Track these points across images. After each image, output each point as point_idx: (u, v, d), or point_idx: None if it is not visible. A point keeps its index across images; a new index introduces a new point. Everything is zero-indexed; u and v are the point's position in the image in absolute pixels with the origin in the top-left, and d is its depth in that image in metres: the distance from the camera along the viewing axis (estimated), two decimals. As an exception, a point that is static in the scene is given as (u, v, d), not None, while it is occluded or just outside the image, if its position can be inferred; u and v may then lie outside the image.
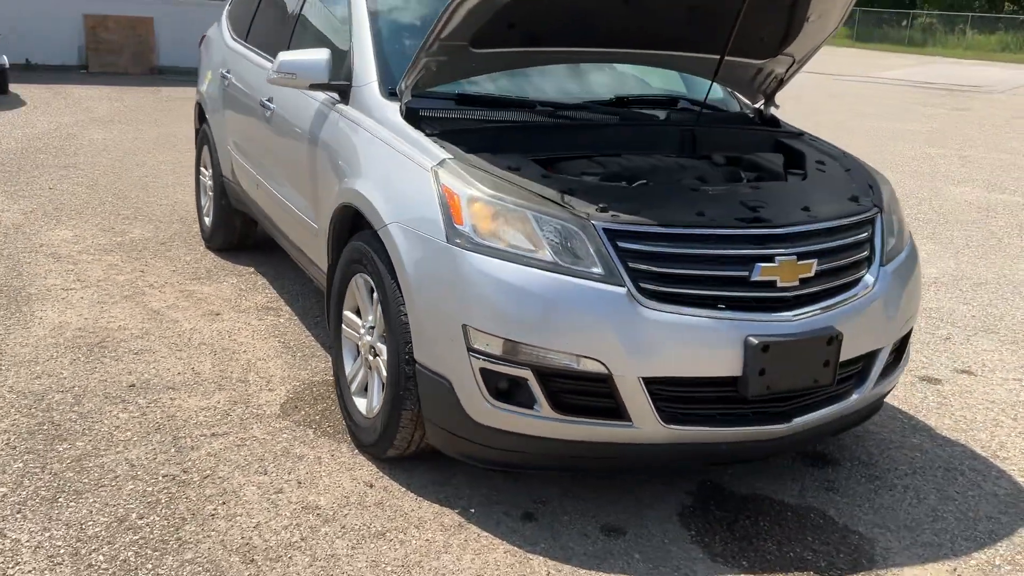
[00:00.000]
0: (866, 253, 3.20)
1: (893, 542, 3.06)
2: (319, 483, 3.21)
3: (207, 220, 5.89)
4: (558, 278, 2.77)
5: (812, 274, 2.97)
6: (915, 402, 4.18)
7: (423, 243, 2.95)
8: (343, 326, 3.56)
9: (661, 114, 3.82)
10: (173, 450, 3.38)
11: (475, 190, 2.90)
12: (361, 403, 3.42)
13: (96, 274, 5.30)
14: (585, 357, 2.77)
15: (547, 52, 3.46)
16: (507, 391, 2.86)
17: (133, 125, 10.23)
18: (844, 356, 3.01)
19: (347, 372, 3.53)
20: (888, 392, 3.56)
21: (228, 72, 5.27)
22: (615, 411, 2.83)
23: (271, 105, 4.42)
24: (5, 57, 11.92)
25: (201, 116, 5.91)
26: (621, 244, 2.81)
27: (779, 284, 2.90)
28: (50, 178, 7.61)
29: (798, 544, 3.02)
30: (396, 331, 3.07)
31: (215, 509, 3.02)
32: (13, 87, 12.23)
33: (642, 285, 2.80)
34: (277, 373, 4.09)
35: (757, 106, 4.11)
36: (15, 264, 5.38)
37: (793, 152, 3.75)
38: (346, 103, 3.70)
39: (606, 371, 2.77)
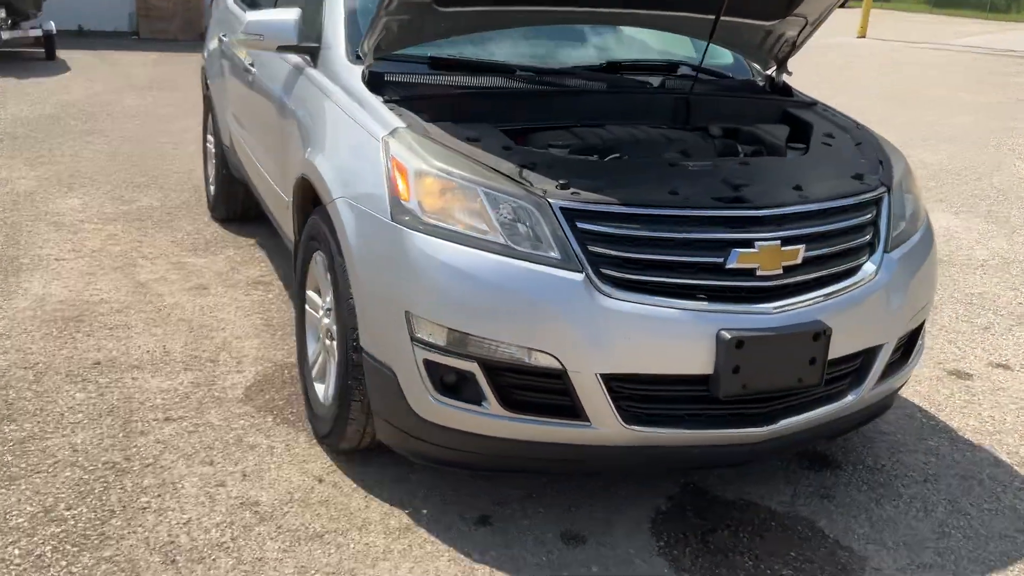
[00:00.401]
0: (867, 238, 2.85)
1: (887, 561, 2.74)
2: (265, 476, 3.00)
3: (212, 189, 5.72)
4: (509, 262, 2.49)
5: (798, 261, 2.64)
6: (939, 399, 3.81)
7: (368, 220, 2.70)
8: (306, 306, 3.33)
9: (655, 81, 3.49)
10: (121, 435, 3.20)
11: (423, 163, 2.63)
12: (320, 390, 3.20)
13: (93, 244, 5.17)
14: (537, 351, 2.50)
15: (522, 11, 3.16)
16: (454, 385, 2.60)
17: (169, 91, 10.14)
18: (835, 353, 2.68)
19: (309, 356, 3.31)
20: (898, 389, 3.22)
21: (224, 35, 5.06)
22: (571, 410, 2.56)
23: (253, 69, 4.20)
24: (52, 23, 11.94)
25: (206, 82, 5.73)
26: (580, 225, 2.52)
27: (759, 272, 2.58)
28: (73, 145, 7.54)
29: (778, 560, 2.72)
30: (344, 315, 2.83)
31: (148, 502, 2.83)
32: (62, 53, 12.28)
33: (603, 271, 2.51)
34: (251, 353, 3.89)
35: (768, 72, 3.74)
36: (15, 232, 5.28)
37: (801, 124, 3.39)
38: (315, 67, 3.45)
39: (560, 366, 2.50)
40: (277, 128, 3.71)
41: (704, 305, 2.53)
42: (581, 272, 2.49)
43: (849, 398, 2.83)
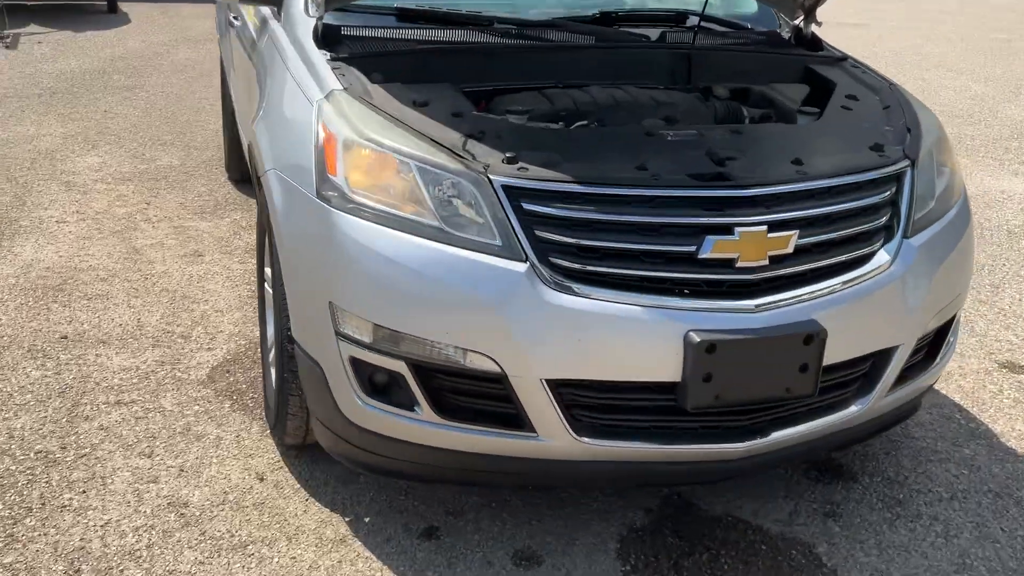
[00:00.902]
0: (883, 220, 2.41)
1: (889, 601, 2.35)
2: (203, 473, 2.75)
3: (224, 149, 5.50)
4: (442, 250, 2.15)
5: (789, 250, 2.23)
6: (984, 397, 3.34)
7: (295, 196, 2.39)
8: (265, 285, 3.06)
9: (655, 34, 3.06)
10: (65, 420, 2.99)
11: (353, 132, 2.30)
12: (272, 377, 2.93)
13: (99, 205, 4.99)
14: (472, 351, 2.16)
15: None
16: (384, 387, 2.29)
17: (219, 44, 9.96)
18: (834, 358, 2.28)
19: (267, 338, 3.04)
20: (927, 390, 2.79)
21: (227, -15, 4.77)
22: (515, 419, 2.23)
23: (235, 23, 3.90)
24: (114, -25, 11.89)
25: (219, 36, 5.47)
26: (526, 206, 2.16)
27: (739, 264, 2.19)
28: (110, 100, 7.41)
29: (759, 595, 2.35)
30: (278, 301, 2.54)
31: (71, 499, 2.61)
32: (124, 6, 12.23)
33: (551, 261, 2.15)
34: (227, 329, 3.64)
35: (796, 23, 3.27)
36: (24, 193, 5.15)
37: (822, 84, 2.93)
38: (279, 20, 3.13)
39: (499, 370, 2.16)
40: (245, 89, 3.41)
41: (670, 301, 2.16)
42: (524, 261, 2.13)
43: (854, 408, 2.42)
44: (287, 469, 2.78)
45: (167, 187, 5.34)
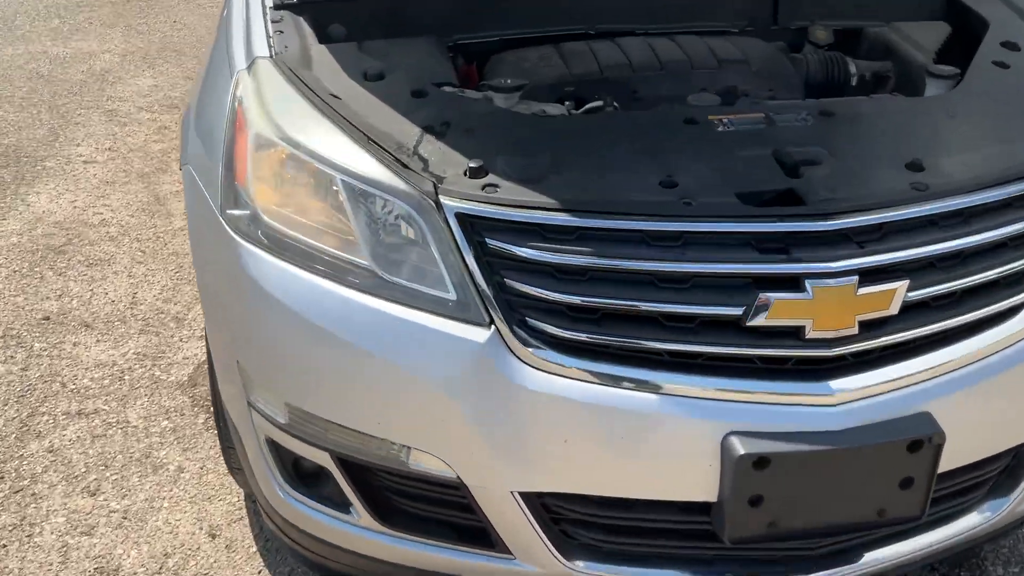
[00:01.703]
0: (1040, 258, 1.60)
1: None
2: (149, 522, 2.27)
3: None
4: (372, 306, 1.51)
5: (893, 311, 1.48)
6: None
7: (202, 208, 1.78)
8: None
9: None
10: (14, 437, 2.56)
11: (267, 124, 1.64)
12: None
13: (135, 140, 4.53)
14: (418, 451, 1.53)
15: None
16: (312, 477, 1.69)
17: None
18: (954, 463, 1.55)
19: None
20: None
21: None
22: (481, 535, 1.60)
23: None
24: None
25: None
26: (492, 244, 1.48)
27: (811, 334, 1.45)
28: (182, 11, 6.90)
29: None
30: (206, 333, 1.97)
31: (-16, 557, 2.16)
32: None
33: (528, 324, 1.47)
34: (228, 309, 3.11)
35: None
36: (62, 124, 4.73)
37: (971, 23, 2.06)
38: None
39: (454, 476, 1.52)
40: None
41: (701, 387, 1.46)
42: (487, 326, 1.47)
43: (983, 515, 1.68)
44: (246, 520, 2.26)
45: (214, 116, 4.81)
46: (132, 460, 2.47)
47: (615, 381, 1.46)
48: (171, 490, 2.37)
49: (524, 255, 1.46)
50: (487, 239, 1.47)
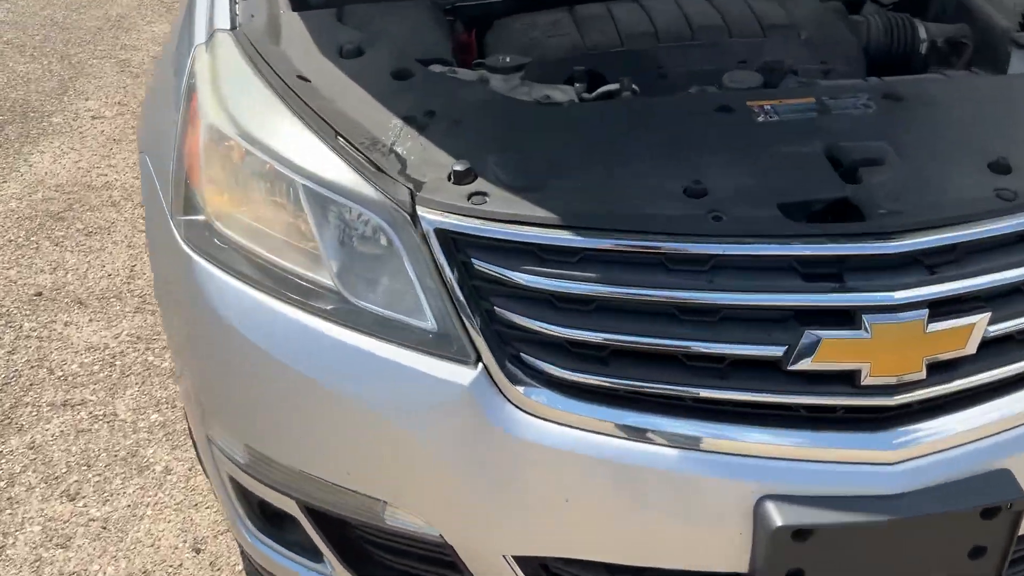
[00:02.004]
0: None
1: None
2: (129, 532, 2.09)
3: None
4: (338, 338, 1.27)
5: (970, 350, 1.20)
6: None
7: (155, 205, 1.54)
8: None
9: None
10: (-6, 431, 2.38)
11: (221, 113, 1.39)
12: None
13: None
14: (393, 506, 1.30)
15: None
16: (280, 519, 1.48)
17: None
18: (1035, 530, 1.28)
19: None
20: None
21: None
22: (472, 595, 1.37)
23: None
24: None
25: None
26: (478, 264, 1.22)
27: (868, 380, 1.19)
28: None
29: None
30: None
31: (-49, 572, 2.00)
32: None
33: (523, 362, 1.22)
34: (230, 285, 2.90)
35: None
36: (74, 76, 4.52)
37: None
38: None
39: (437, 536, 1.30)
40: None
41: (731, 438, 1.20)
42: (474, 363, 1.22)
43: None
44: (230, 536, 2.06)
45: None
46: (116, 459, 2.28)
47: (626, 431, 1.21)
48: (156, 495, 2.18)
49: (518, 280, 1.21)
50: (473, 259, 1.22)
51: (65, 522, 2.13)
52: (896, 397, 1.20)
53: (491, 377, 1.22)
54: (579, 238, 1.19)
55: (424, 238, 1.23)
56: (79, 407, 2.46)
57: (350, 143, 1.31)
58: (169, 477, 2.23)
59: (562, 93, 1.47)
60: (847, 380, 1.19)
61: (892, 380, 1.19)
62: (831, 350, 1.17)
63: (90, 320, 2.79)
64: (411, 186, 1.25)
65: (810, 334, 1.17)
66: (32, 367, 2.61)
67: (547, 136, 1.33)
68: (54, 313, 2.82)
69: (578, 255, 1.20)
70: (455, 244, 1.22)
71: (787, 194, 1.22)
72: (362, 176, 1.27)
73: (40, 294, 2.92)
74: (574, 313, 1.21)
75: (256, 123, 1.36)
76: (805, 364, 1.17)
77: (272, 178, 1.33)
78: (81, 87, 4.37)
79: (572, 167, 1.27)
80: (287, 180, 1.31)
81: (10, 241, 3.20)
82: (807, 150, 1.29)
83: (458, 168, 1.25)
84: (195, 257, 1.36)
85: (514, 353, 1.22)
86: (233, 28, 1.54)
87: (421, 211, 1.23)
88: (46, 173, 3.62)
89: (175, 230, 1.40)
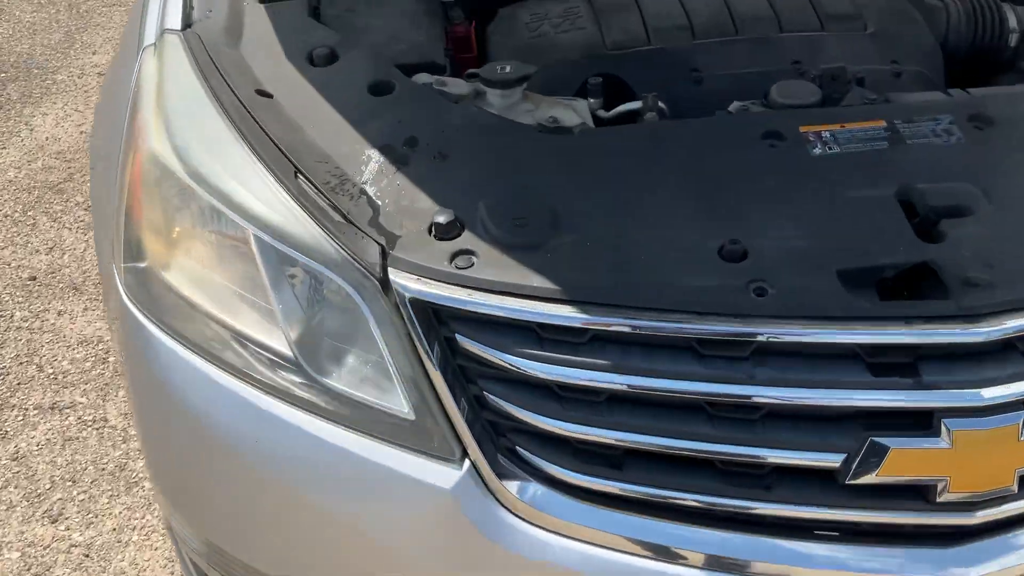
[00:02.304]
0: None
1: None
2: (114, 561, 1.96)
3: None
4: (298, 424, 1.05)
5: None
6: None
7: (103, 234, 1.32)
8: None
9: None
10: (-24, 439, 2.23)
11: (163, 136, 1.17)
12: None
13: (156, 46, 4.06)
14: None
15: None
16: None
17: None
18: None
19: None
20: None
21: None
22: None
23: None
24: None
25: None
26: (464, 342, 0.99)
27: (945, 495, 0.95)
28: None
29: None
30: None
31: (-77, 605, 1.87)
32: None
33: (520, 457, 1.01)
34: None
35: None
36: (81, 27, 4.29)
37: None
38: None
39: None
40: None
41: (770, 560, 0.98)
42: (459, 461, 1.01)
43: None
44: (224, 568, 1.89)
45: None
46: (104, 474, 2.12)
47: (646, 548, 0.99)
48: (143, 517, 2.02)
49: (512, 364, 0.98)
50: (458, 335, 0.99)
51: (46, 548, 1.97)
52: (979, 514, 0.96)
53: (481, 478, 1.00)
54: (588, 316, 0.96)
55: (398, 309, 1.00)
56: (68, 411, 2.29)
57: (312, 184, 1.08)
58: (160, 497, 2.06)
59: (573, 113, 1.21)
60: (919, 494, 0.96)
61: (974, 495, 0.95)
62: (902, 461, 0.93)
63: (85, 309, 2.61)
64: (383, 240, 1.02)
65: (876, 441, 0.93)
66: (21, 363, 2.44)
67: (551, 175, 1.08)
68: (47, 300, 2.65)
69: (587, 335, 0.97)
70: (436, 316, 1.00)
71: (849, 257, 0.98)
72: (323, 229, 1.04)
73: (34, 278, 2.74)
74: (582, 405, 0.98)
75: (204, 154, 1.13)
76: (869, 478, 0.94)
77: (220, 223, 1.10)
78: (88, 39, 4.15)
79: (581, 217, 1.03)
80: (238, 228, 1.09)
81: (6, 216, 3.02)
82: (875, 194, 1.03)
83: (440, 220, 1.02)
84: (136, 313, 1.15)
85: (508, 447, 1.00)
86: (188, 26, 1.29)
87: (394, 276, 1.00)
88: (47, 138, 3.43)
89: (116, 276, 1.19)
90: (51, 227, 2.95)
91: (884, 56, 1.34)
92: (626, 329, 0.96)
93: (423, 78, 1.23)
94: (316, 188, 1.08)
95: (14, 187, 3.16)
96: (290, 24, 1.29)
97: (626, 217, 1.03)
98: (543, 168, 1.09)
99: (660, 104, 1.21)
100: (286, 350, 1.07)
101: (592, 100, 1.25)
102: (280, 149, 1.11)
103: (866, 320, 0.93)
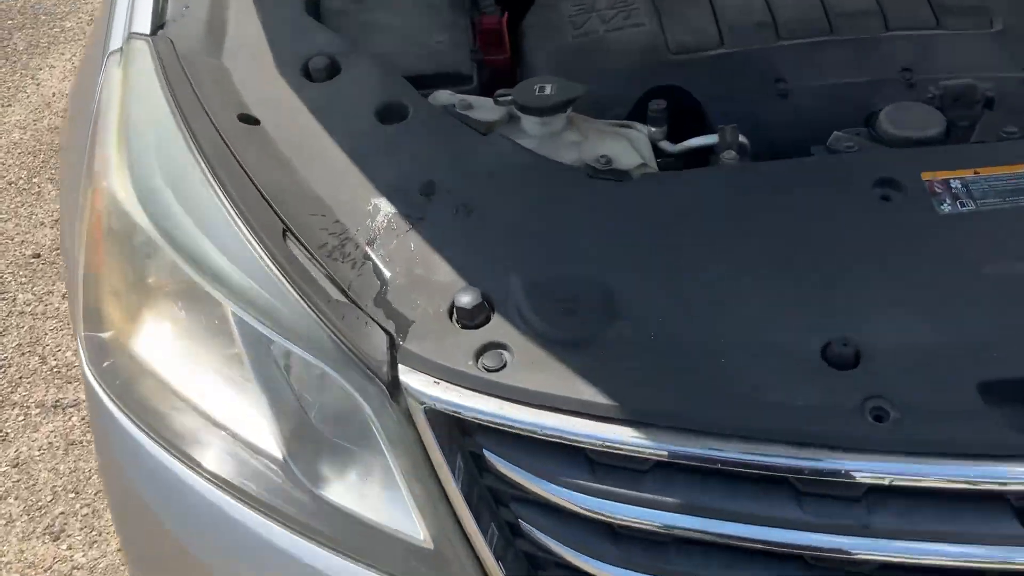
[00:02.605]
0: None
1: None
2: (114, 590, 1.78)
3: None
4: (290, 550, 0.86)
5: None
6: None
7: (72, 283, 1.11)
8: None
9: None
10: (-26, 441, 2.08)
11: (123, 178, 0.95)
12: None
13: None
14: None
15: None
16: None
17: None
18: None
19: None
20: None
21: None
22: None
23: None
24: None
25: None
26: (493, 459, 0.79)
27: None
28: None
29: None
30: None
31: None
32: None
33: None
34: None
35: None
36: (93, -37, 4.04)
37: None
38: None
39: None
40: None
41: None
42: (489, 603, 0.80)
43: None
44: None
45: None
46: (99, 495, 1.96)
47: None
48: (150, 536, 1.86)
49: (555, 496, 0.77)
50: (486, 451, 0.79)
51: (46, 570, 1.83)
52: None
53: (509, 617, 0.81)
54: (654, 443, 0.74)
55: (410, 420, 0.79)
56: (71, 409, 2.13)
57: (304, 247, 0.86)
58: None
59: (629, 146, 0.97)
60: (1078, 671, 0.74)
61: None
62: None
63: (90, 291, 2.43)
64: (391, 326, 0.81)
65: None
66: (24, 353, 2.28)
67: (606, 239, 0.85)
68: (52, 281, 2.48)
69: (648, 464, 0.75)
70: (460, 429, 0.79)
71: (994, 363, 0.75)
72: (315, 310, 0.82)
73: (39, 255, 2.57)
74: (643, 548, 0.77)
75: (173, 204, 0.92)
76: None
77: (194, 293, 0.89)
78: (100, -21, 3.91)
79: (643, 300, 0.80)
80: (213, 301, 0.88)
81: (10, 184, 2.84)
82: (1021, 270, 0.79)
83: (464, 302, 0.80)
84: (102, 395, 0.95)
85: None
86: (160, 26, 1.06)
87: (405, 377, 0.79)
88: (54, 94, 3.22)
89: (80, 345, 0.99)
90: (56, 196, 2.77)
91: (1017, 61, 1.07)
92: (702, 460, 0.74)
93: (444, 97, 1.00)
94: (309, 253, 0.86)
95: (19, 150, 2.97)
96: (283, 25, 1.05)
97: (702, 302, 0.80)
98: (595, 229, 0.86)
99: (741, 138, 0.96)
100: (274, 451, 0.87)
101: (654, 130, 1.01)
102: (266, 200, 0.89)
103: (1016, 459, 0.71)
